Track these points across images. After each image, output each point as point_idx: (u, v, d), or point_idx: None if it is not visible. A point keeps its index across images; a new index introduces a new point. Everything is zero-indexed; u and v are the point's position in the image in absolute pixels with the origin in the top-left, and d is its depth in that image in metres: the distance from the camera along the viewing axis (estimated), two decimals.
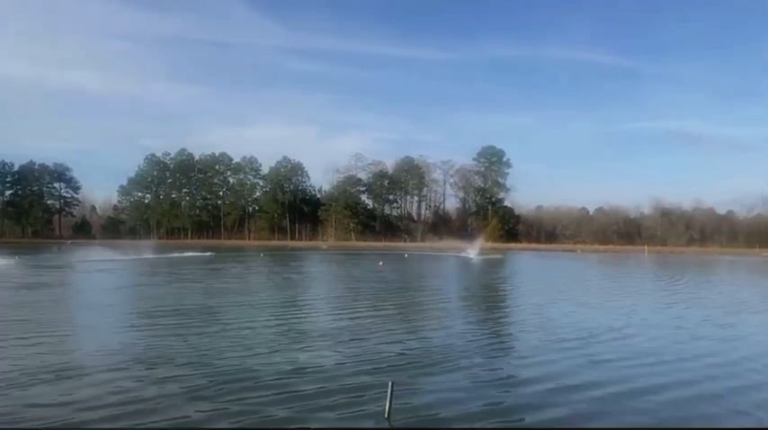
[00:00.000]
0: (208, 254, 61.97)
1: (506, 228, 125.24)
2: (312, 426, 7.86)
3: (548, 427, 7.61)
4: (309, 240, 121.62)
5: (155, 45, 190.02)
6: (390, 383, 8.49)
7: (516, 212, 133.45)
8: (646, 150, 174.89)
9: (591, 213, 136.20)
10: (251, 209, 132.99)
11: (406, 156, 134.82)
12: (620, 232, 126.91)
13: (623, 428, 7.63)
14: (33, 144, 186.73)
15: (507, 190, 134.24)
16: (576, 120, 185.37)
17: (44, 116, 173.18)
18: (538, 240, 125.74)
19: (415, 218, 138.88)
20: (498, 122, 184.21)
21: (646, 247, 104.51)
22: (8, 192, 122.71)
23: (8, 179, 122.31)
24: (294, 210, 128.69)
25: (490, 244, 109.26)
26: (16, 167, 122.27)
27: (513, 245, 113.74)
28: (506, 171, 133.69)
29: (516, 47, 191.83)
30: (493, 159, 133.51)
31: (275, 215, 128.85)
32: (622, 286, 32.26)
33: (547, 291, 27.54)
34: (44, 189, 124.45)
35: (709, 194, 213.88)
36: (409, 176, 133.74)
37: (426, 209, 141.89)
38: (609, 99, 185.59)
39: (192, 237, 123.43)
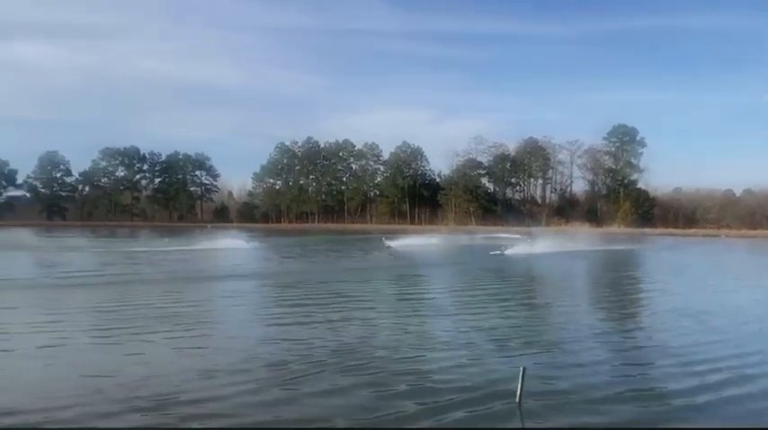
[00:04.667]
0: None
1: (640, 211, 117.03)
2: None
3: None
4: (429, 224, 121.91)
5: (279, 36, 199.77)
6: (522, 369, 8.14)
7: (651, 195, 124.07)
8: None
9: (738, 195, 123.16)
10: (372, 194, 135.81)
11: (530, 138, 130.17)
12: None
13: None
14: (177, 136, 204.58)
15: (641, 171, 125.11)
16: (716, 93, 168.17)
17: (184, 109, 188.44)
18: (675, 224, 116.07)
19: (539, 201, 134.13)
20: (630, 99, 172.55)
21: None
22: (157, 180, 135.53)
23: (157, 168, 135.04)
24: (414, 194, 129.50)
25: (622, 228, 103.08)
26: (163, 157, 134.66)
27: (647, 230, 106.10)
28: (640, 151, 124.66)
29: (646, 17, 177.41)
30: (625, 139, 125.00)
31: (395, 199, 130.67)
32: None
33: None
34: (188, 177, 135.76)
35: None
36: (533, 158, 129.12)
37: (551, 192, 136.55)
38: (754, 67, 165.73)
39: (318, 221, 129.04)
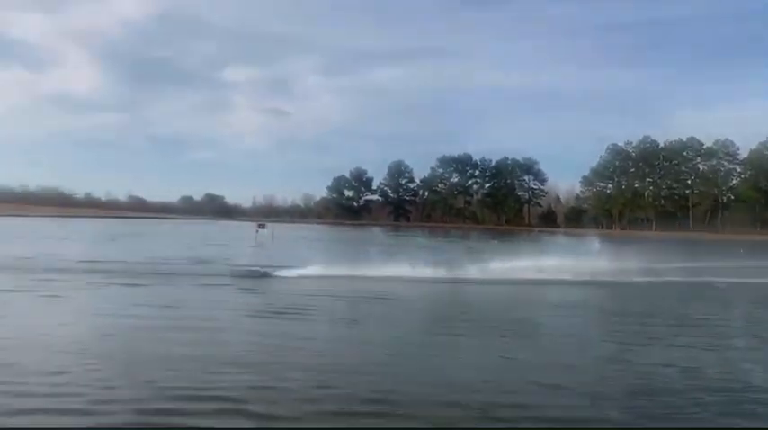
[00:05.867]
0: None
1: None
2: None
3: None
4: None
5: (611, 33, 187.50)
6: None
7: None
8: None
9: None
10: (725, 198, 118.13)
11: None
12: None
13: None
14: (506, 142, 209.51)
15: None
16: None
17: (513, 116, 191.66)
18: None
19: None
20: None
21: None
22: (487, 185, 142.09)
23: (487, 174, 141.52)
24: None
25: None
26: (493, 163, 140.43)
27: None
28: None
29: None
30: None
31: (756, 206, 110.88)
32: None
33: None
34: (515, 181, 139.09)
35: None
36: None
37: None
38: None
39: (655, 229, 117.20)
